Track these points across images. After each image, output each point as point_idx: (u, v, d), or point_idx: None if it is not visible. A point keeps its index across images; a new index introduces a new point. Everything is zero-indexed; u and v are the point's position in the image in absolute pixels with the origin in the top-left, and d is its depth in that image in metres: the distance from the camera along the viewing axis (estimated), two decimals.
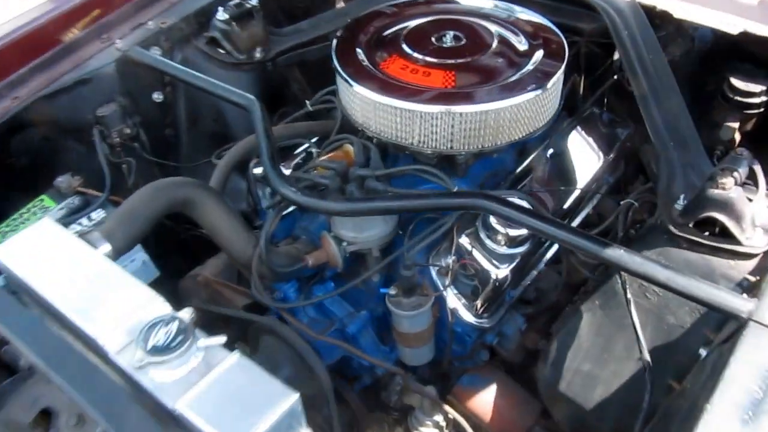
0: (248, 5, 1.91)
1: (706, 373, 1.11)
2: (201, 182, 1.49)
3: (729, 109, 1.76)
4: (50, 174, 1.75)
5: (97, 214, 1.65)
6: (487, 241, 1.44)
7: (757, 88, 1.72)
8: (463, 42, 1.61)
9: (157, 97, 1.92)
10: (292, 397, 0.94)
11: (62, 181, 1.70)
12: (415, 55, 1.58)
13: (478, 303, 1.49)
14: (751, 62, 1.75)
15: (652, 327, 1.30)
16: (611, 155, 1.82)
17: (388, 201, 1.30)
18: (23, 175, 1.80)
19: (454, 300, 1.49)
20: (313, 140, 1.76)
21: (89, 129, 1.81)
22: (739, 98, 1.73)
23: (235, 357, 1.00)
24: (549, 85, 1.49)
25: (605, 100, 1.96)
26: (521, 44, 1.61)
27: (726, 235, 1.23)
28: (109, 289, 1.13)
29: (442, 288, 1.46)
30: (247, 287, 1.56)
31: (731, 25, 1.69)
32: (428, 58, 1.56)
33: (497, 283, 1.45)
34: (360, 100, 1.52)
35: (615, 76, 1.89)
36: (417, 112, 1.43)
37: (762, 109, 1.74)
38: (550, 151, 1.71)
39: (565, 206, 1.69)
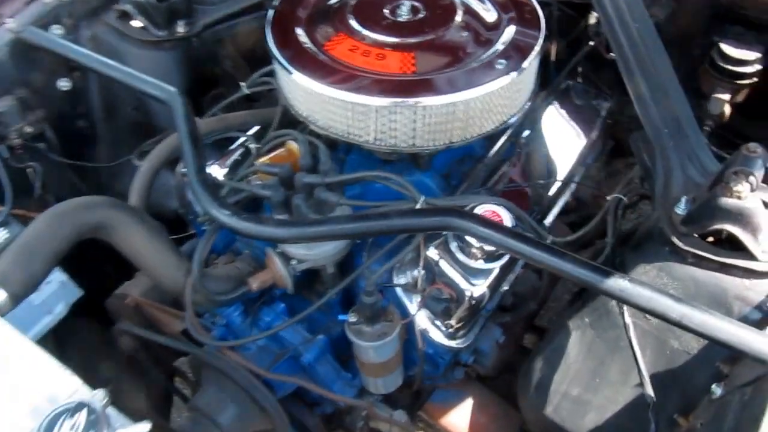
0: None
1: (726, 419, 0.95)
2: (115, 201, 1.23)
3: (719, 79, 1.57)
4: None
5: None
6: (460, 255, 1.24)
7: (750, 55, 1.54)
8: (421, 14, 1.36)
9: (64, 84, 1.62)
10: None
11: None
12: (366, 32, 1.33)
13: (452, 322, 1.30)
14: (742, 25, 1.56)
15: (652, 352, 1.13)
16: (593, 134, 1.62)
17: (343, 224, 1.07)
18: None
19: (424, 320, 1.30)
20: (251, 132, 1.51)
21: None
22: (730, 67, 1.55)
23: None
24: (525, 64, 1.27)
25: (579, 69, 1.75)
26: (489, 14, 1.38)
27: (736, 246, 1.06)
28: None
29: (409, 309, 1.27)
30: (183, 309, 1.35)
31: None
32: (382, 37, 1.31)
33: (473, 302, 1.26)
34: (302, 90, 1.27)
35: (591, 42, 1.68)
36: (372, 106, 1.20)
37: (756, 79, 1.56)
38: (526, 132, 1.51)
39: (546, 199, 1.50)
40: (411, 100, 1.19)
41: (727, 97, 1.58)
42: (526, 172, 1.54)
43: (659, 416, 1.11)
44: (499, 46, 1.29)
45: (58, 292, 1.51)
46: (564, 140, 1.61)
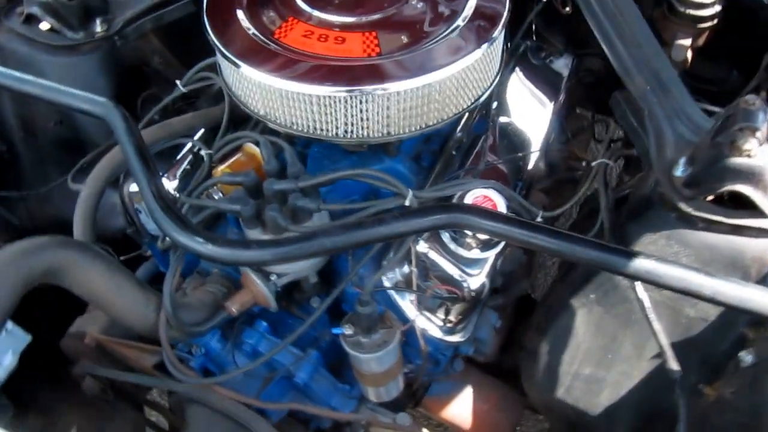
0: None
1: (766, 388, 0.91)
2: (60, 239, 1.06)
3: (679, 24, 1.52)
4: None
5: None
6: (453, 246, 1.15)
7: None
8: None
9: None
10: None
11: None
12: (319, 13, 1.20)
13: (451, 317, 1.22)
14: None
15: (667, 322, 1.08)
16: (559, 97, 1.55)
17: (338, 235, 0.95)
18: None
19: (421, 320, 1.21)
20: (197, 136, 1.37)
21: None
22: (691, 11, 1.49)
23: None
24: (496, 33, 1.17)
25: (533, 27, 1.67)
26: None
27: (743, 205, 1.01)
28: None
29: (405, 311, 1.18)
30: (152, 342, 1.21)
31: None
32: (337, 18, 1.19)
33: (473, 294, 1.18)
34: (257, 86, 1.14)
35: None
36: (340, 97, 1.08)
37: (716, 21, 1.52)
38: (494, 104, 1.42)
39: (525, 173, 1.42)
40: (383, 86, 1.08)
41: (688, 42, 1.53)
42: (497, 147, 1.46)
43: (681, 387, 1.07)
44: (466, 16, 1.19)
45: (4, 342, 1.34)
46: (531, 107, 1.53)
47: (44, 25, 1.46)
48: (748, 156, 0.96)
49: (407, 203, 1.07)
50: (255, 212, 1.09)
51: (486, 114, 1.40)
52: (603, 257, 0.89)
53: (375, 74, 1.09)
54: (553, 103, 1.58)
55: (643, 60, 1.21)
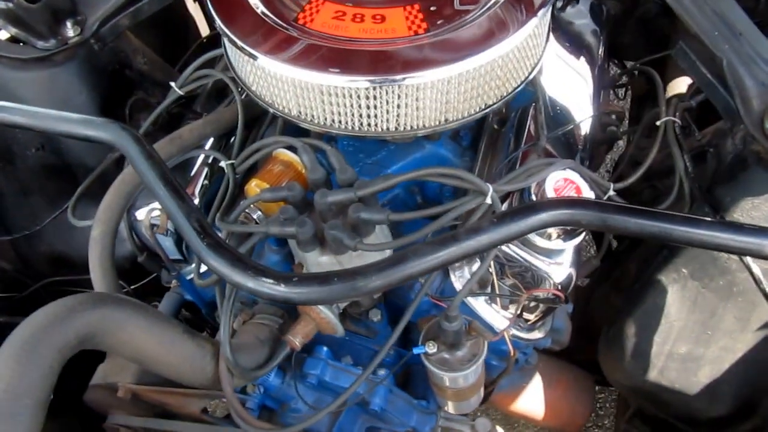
0: None
1: None
2: (91, 296, 0.89)
3: None
4: None
5: None
6: (535, 238, 1.02)
7: None
8: None
9: None
10: None
11: None
12: None
13: (533, 315, 1.11)
14: None
15: None
16: (597, 53, 1.43)
17: (433, 253, 0.80)
18: None
19: (502, 321, 1.09)
20: (208, 145, 1.20)
21: None
22: None
23: None
24: None
25: None
26: None
27: None
28: None
29: (486, 317, 1.06)
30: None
31: None
32: None
33: (560, 287, 1.06)
34: (291, 84, 0.97)
35: None
36: (390, 88, 0.93)
37: None
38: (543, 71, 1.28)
39: (577, 144, 1.30)
40: (441, 70, 0.92)
41: None
42: (538, 122, 1.32)
43: None
44: None
45: None
46: (568, 71, 1.40)
47: (3, 34, 1.25)
48: None
49: (488, 201, 0.94)
50: (314, 234, 0.94)
51: (530, 82, 1.26)
52: (744, 241, 0.78)
53: (429, 56, 0.94)
54: (585, 61, 1.45)
55: (709, 4, 1.09)
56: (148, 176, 0.92)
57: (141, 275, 1.39)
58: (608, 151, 1.70)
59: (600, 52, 1.47)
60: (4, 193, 1.34)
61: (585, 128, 1.34)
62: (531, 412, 1.37)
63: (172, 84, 1.27)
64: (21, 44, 1.23)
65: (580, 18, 1.59)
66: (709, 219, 0.78)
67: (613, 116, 1.59)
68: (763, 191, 0.97)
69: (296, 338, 1.01)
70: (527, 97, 1.25)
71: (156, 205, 1.15)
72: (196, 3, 1.76)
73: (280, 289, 0.80)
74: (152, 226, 1.12)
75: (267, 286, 0.81)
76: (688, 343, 1.11)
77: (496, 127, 1.25)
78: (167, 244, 1.20)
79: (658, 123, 1.17)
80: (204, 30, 1.84)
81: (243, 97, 1.20)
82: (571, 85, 1.38)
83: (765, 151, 0.97)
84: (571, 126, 1.28)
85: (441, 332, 0.99)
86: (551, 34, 1.26)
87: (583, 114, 1.34)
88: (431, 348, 1.00)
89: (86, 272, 1.14)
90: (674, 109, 1.18)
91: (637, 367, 1.16)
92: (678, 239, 0.77)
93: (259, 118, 1.25)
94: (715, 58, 1.06)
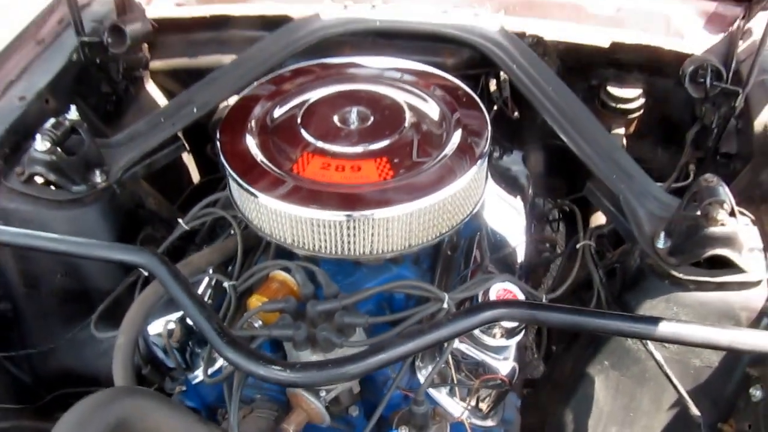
0: (68, 122, 1.48)
1: None
2: (125, 389, 1.10)
3: (613, 117, 1.79)
4: None
5: None
6: (483, 337, 1.27)
7: (633, 92, 1.77)
8: (372, 118, 1.39)
9: None
10: None
11: None
12: (329, 147, 1.33)
13: (484, 404, 1.33)
14: (615, 68, 1.79)
15: (678, 374, 1.24)
16: (528, 193, 1.76)
17: (403, 344, 1.05)
18: None
19: (456, 407, 1.31)
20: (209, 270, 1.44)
21: None
22: (621, 105, 1.77)
23: None
24: (486, 147, 1.35)
25: None
26: (430, 106, 1.45)
27: (722, 264, 1.21)
28: None
29: (445, 404, 1.27)
30: None
31: (600, 37, 1.70)
32: (348, 149, 1.33)
33: (505, 380, 1.29)
34: (288, 218, 1.24)
35: (495, 106, 1.82)
36: (373, 220, 1.21)
37: (641, 111, 1.79)
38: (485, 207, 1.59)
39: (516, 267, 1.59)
40: (406, 206, 1.21)
41: (622, 131, 1.80)
42: (482, 248, 1.60)
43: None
44: (458, 134, 1.36)
45: None
46: (502, 206, 1.71)
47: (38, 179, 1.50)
48: (723, 224, 1.16)
49: (445, 306, 1.19)
50: (306, 336, 1.17)
51: (474, 216, 1.56)
52: (634, 327, 1.04)
53: (394, 196, 1.23)
54: (520, 198, 1.77)
55: (602, 152, 1.43)
56: (176, 291, 1.15)
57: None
58: (545, 273, 1.99)
59: (530, 192, 1.80)
60: (26, 315, 1.53)
61: (521, 253, 1.63)
62: None
63: (180, 220, 1.53)
64: (56, 188, 1.48)
65: (515, 164, 1.95)
66: (606, 311, 1.04)
67: (547, 244, 1.90)
68: (657, 295, 1.25)
69: (290, 426, 1.20)
70: (473, 229, 1.55)
71: (169, 318, 1.36)
72: (190, 155, 2.07)
73: (286, 375, 1.03)
74: (169, 334, 1.32)
75: (275, 373, 1.03)
76: (616, 425, 1.33)
77: (449, 253, 1.53)
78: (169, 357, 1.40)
79: (577, 246, 1.47)
80: (195, 176, 2.14)
81: (242, 230, 1.46)
82: (509, 219, 1.69)
83: (656, 265, 1.26)
84: (509, 250, 1.57)
85: (411, 416, 1.20)
86: (491, 177, 1.59)
87: (518, 241, 1.64)
88: (402, 430, 1.21)
89: (94, 384, 1.32)
90: (590, 235, 1.48)
91: None
92: (586, 326, 1.03)
93: (253, 249, 1.50)
94: (614, 195, 1.38)
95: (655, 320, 1.05)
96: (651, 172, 1.44)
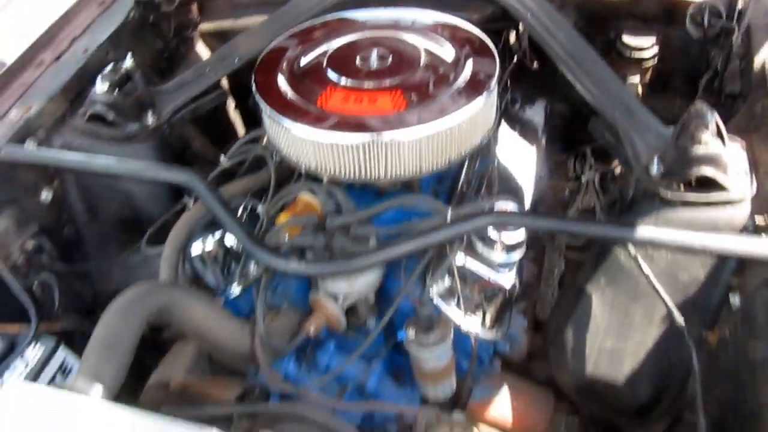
0: (124, 68, 1.68)
1: (756, 318, 1.17)
2: (167, 283, 1.28)
3: (628, 66, 1.87)
4: None
5: (33, 351, 1.38)
6: (485, 252, 1.39)
7: (648, 41, 1.85)
8: (390, 59, 1.53)
9: (46, 196, 1.63)
10: None
11: None
12: (350, 82, 1.48)
13: (488, 317, 1.45)
14: (634, 20, 1.87)
15: (667, 288, 1.33)
16: (541, 142, 1.86)
17: (409, 242, 1.20)
18: None
19: (464, 320, 1.43)
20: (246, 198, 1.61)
21: None
22: (635, 54, 1.85)
23: None
24: (492, 85, 1.47)
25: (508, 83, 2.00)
26: (445, 50, 1.58)
27: (712, 186, 1.29)
28: None
29: (451, 315, 1.40)
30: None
31: None
32: (366, 84, 1.47)
33: (506, 293, 1.42)
34: (312, 145, 1.39)
35: (515, 58, 1.93)
36: (385, 143, 1.35)
37: (656, 60, 1.87)
38: (498, 143, 1.71)
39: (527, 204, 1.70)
40: (417, 130, 1.35)
41: (638, 79, 1.88)
42: (492, 180, 1.72)
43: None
44: (467, 74, 1.49)
45: None
46: (518, 153, 1.82)
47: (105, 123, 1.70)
48: (706, 144, 1.25)
49: (448, 219, 1.32)
50: (324, 245, 1.33)
51: (488, 154, 1.68)
52: (616, 231, 1.15)
53: (407, 121, 1.36)
54: (535, 147, 1.88)
55: (609, 92, 1.53)
56: (214, 205, 1.33)
57: None
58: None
59: (543, 141, 1.90)
60: (87, 239, 1.73)
61: (530, 194, 1.74)
62: (500, 419, 1.65)
63: (222, 156, 1.71)
64: (113, 127, 1.68)
65: (536, 115, 2.05)
66: (587, 219, 1.15)
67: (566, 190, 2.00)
68: (648, 215, 1.34)
69: (311, 327, 1.36)
70: (486, 166, 1.67)
71: (207, 238, 1.54)
72: (237, 111, 2.25)
73: (301, 267, 1.19)
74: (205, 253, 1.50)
75: (293, 265, 1.19)
76: (612, 339, 1.43)
77: (464, 189, 1.65)
78: (209, 274, 1.57)
79: (583, 180, 1.57)
80: (240, 131, 2.32)
81: (275, 165, 1.62)
82: (521, 162, 1.80)
83: (649, 188, 1.35)
84: (519, 188, 1.69)
85: (417, 319, 1.34)
86: (508, 124, 1.71)
87: (528, 183, 1.75)
88: (410, 332, 1.34)
89: None
90: (595, 170, 1.58)
91: (576, 364, 1.47)
92: (568, 230, 1.15)
93: (285, 180, 1.66)
94: (616, 128, 1.48)
95: (632, 225, 1.16)
96: (667, 122, 1.52)
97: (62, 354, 1.42)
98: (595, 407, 1.57)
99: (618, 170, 1.68)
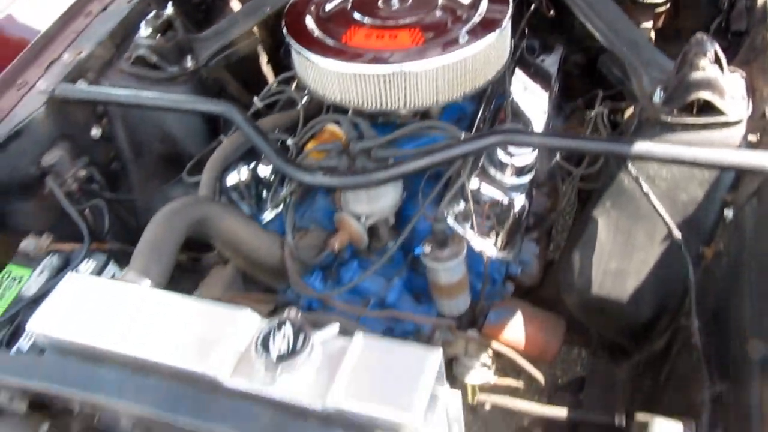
0: (165, 15, 1.82)
1: (746, 229, 1.26)
2: (207, 197, 1.42)
3: (641, 11, 1.95)
4: (3, 242, 1.60)
5: (87, 266, 1.53)
6: (497, 175, 1.51)
7: None
8: (410, 1, 1.64)
9: (95, 133, 1.79)
10: (437, 355, 0.95)
11: (29, 243, 1.56)
12: (372, 21, 1.59)
13: (500, 238, 1.56)
14: None
15: (668, 209, 1.43)
16: (553, 90, 1.95)
17: (424, 158, 1.31)
18: None
19: (478, 242, 1.55)
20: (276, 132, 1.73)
21: (36, 183, 1.66)
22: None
23: (361, 339, 0.98)
24: (505, 22, 1.57)
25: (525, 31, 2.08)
26: None
27: (710, 111, 1.38)
28: (187, 319, 1.06)
29: (465, 235, 1.52)
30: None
31: None
32: (387, 22, 1.58)
33: (517, 214, 1.52)
34: (337, 77, 1.51)
35: (533, 6, 2.02)
36: (404, 74, 1.46)
37: (668, 5, 1.94)
38: (512, 86, 1.80)
39: None
40: (435, 61, 1.45)
41: (650, 24, 1.96)
42: (506, 113, 1.82)
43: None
44: (481, 13, 1.59)
45: None
46: (532, 95, 1.92)
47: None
48: (704, 70, 1.34)
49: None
50: (347, 167, 1.45)
51: (502, 95, 1.77)
52: (613, 146, 1.25)
53: (425, 55, 1.47)
54: (548, 94, 1.97)
55: (618, 30, 1.61)
56: (248, 130, 1.46)
57: None
58: None
59: (556, 88, 1.99)
60: (132, 174, 1.89)
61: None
62: (513, 341, 1.76)
63: (255, 98, 1.84)
64: (156, 69, 1.82)
65: (552, 64, 2.13)
66: (588, 136, 1.25)
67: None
68: (649, 138, 1.43)
69: (336, 243, 1.49)
70: (500, 101, 1.77)
71: (241, 169, 1.67)
72: (269, 64, 2.38)
73: (326, 179, 1.31)
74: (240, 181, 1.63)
75: (319, 178, 1.32)
76: (616, 260, 1.53)
77: (481, 125, 1.76)
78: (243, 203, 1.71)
79: (591, 114, 1.67)
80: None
81: (304, 103, 1.75)
82: (532, 105, 1.89)
83: (652, 115, 1.44)
84: (529, 126, 1.78)
85: (433, 234, 1.46)
86: (522, 70, 1.80)
87: (540, 123, 1.85)
88: (426, 248, 1.46)
89: None
90: (604, 106, 1.67)
91: (583, 284, 1.57)
92: (570, 147, 1.25)
93: (317, 115, 1.78)
94: (624, 63, 1.56)
95: (630, 141, 1.26)
96: None
97: (112, 269, 1.57)
98: (601, 327, 1.67)
99: (627, 112, 1.76)
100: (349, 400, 0.91)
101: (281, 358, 0.93)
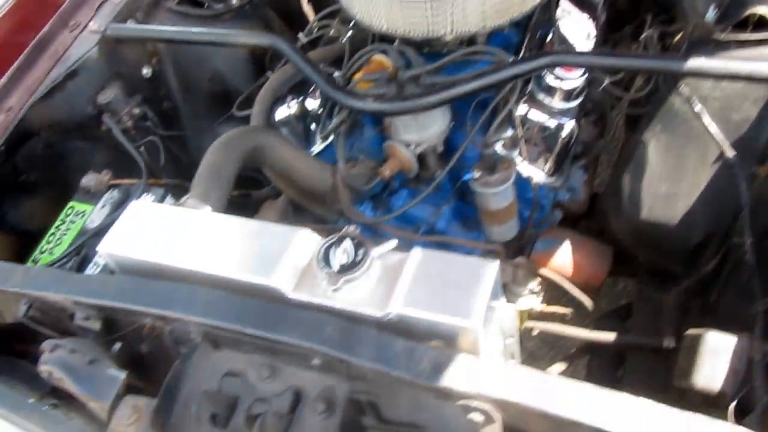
0: None
1: None
2: (261, 127, 1.46)
3: None
4: (64, 180, 1.67)
5: (146, 199, 1.59)
6: (546, 100, 1.50)
7: None
8: None
9: (147, 72, 1.83)
10: (494, 266, 0.97)
11: (90, 179, 1.62)
12: None
13: (548, 165, 1.57)
14: None
15: (720, 128, 1.41)
16: (602, 16, 1.91)
17: (474, 81, 1.32)
18: (37, 190, 1.70)
19: (527, 169, 1.56)
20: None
21: (93, 122, 1.71)
22: None
23: (419, 252, 1.01)
24: None
25: None
26: None
27: (765, 27, 1.35)
28: (250, 238, 1.10)
29: (516, 157, 1.53)
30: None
31: None
32: None
33: (565, 139, 1.52)
34: (386, 4, 1.51)
35: None
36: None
37: None
38: (557, 15, 1.77)
39: None
40: None
41: None
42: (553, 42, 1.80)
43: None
44: None
45: None
46: (578, 24, 1.88)
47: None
48: None
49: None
50: (396, 93, 1.46)
51: (548, 24, 1.75)
52: (667, 64, 1.24)
53: None
54: (594, 23, 1.93)
55: None
56: (297, 59, 1.47)
57: None
58: None
59: (603, 18, 1.95)
60: (183, 112, 1.93)
61: None
62: (561, 268, 1.78)
63: (300, 34, 1.86)
64: (202, 6, 1.84)
65: None
66: (639, 53, 1.24)
67: None
68: (704, 55, 1.41)
69: (387, 170, 1.52)
70: (547, 30, 1.75)
71: (291, 102, 1.70)
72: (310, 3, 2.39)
73: (375, 104, 1.33)
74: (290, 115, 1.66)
75: (368, 103, 1.33)
76: (666, 183, 1.52)
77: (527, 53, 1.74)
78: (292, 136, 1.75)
79: (641, 38, 1.64)
80: None
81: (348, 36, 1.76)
82: (578, 34, 1.86)
83: (705, 33, 1.42)
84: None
85: (483, 159, 1.47)
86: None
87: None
88: (476, 173, 1.48)
89: None
90: (655, 28, 1.64)
91: (632, 209, 1.57)
92: (621, 66, 1.24)
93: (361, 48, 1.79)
94: None
95: (683, 58, 1.24)
96: None
97: (169, 202, 1.62)
98: (649, 253, 1.68)
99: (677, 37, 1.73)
100: (409, 307, 0.95)
101: (343, 269, 0.97)
